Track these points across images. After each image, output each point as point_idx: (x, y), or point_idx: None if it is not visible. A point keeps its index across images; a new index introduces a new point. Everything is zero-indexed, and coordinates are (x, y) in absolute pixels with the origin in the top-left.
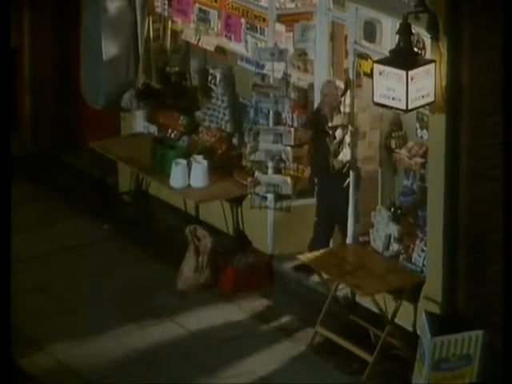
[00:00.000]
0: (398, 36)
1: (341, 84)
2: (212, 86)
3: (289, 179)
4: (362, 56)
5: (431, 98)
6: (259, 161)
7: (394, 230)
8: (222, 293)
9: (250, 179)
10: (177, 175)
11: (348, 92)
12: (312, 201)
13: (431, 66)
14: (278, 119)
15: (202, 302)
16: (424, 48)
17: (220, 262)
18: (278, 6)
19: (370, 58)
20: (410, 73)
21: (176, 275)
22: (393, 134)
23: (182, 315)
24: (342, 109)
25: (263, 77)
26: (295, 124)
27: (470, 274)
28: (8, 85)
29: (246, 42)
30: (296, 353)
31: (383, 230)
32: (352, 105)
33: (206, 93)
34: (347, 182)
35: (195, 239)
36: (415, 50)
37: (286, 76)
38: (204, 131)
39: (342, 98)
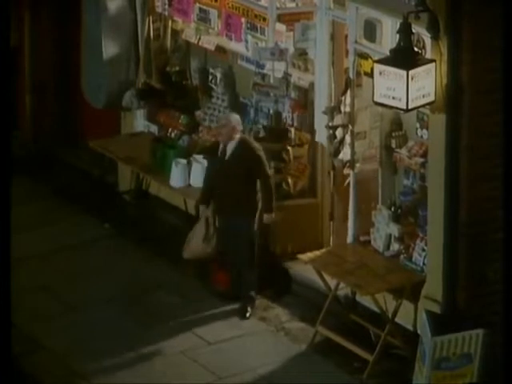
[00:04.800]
0: (398, 35)
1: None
2: (212, 86)
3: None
4: (363, 55)
5: (431, 98)
6: None
7: (394, 229)
8: (223, 292)
9: None
10: (177, 175)
11: (348, 91)
12: (313, 200)
13: (431, 66)
14: (279, 119)
15: (203, 300)
16: (424, 47)
17: (221, 262)
18: (278, 5)
19: (371, 57)
20: (411, 72)
21: (176, 273)
22: (393, 134)
23: (182, 314)
24: (342, 108)
25: (263, 76)
26: (295, 123)
27: (470, 274)
28: (8, 85)
29: (246, 41)
30: (296, 352)
31: (384, 229)
32: (352, 104)
33: (207, 92)
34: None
35: (208, 212)
36: (415, 49)
37: (286, 75)
38: (204, 131)
39: (343, 98)
